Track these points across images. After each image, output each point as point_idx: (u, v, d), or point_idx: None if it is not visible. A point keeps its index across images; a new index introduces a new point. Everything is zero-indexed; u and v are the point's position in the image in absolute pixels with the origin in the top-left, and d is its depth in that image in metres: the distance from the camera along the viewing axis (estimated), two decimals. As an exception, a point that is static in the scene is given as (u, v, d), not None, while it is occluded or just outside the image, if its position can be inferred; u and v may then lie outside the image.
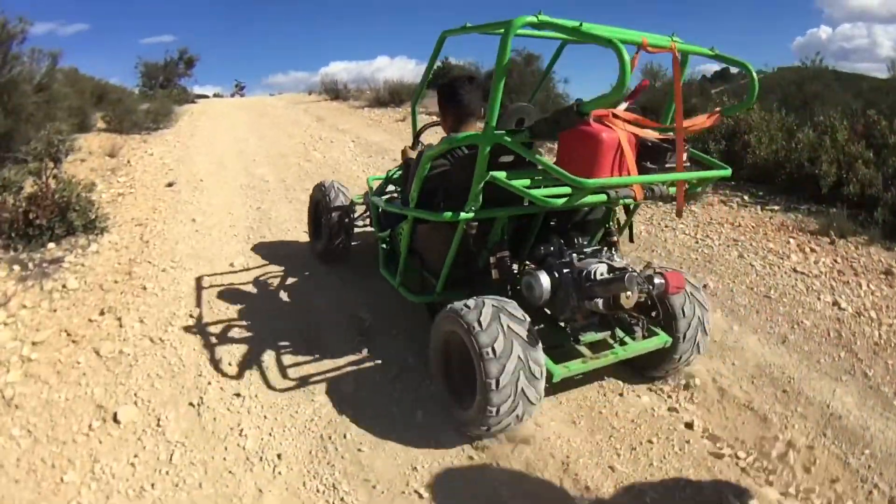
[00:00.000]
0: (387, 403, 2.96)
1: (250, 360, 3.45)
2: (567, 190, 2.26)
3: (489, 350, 2.27)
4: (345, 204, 4.33)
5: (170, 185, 7.30)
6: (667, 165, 2.38)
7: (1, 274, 4.70)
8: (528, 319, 2.43)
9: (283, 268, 4.73)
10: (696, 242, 5.28)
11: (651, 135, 2.40)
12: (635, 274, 2.36)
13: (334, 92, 20.82)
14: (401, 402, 2.97)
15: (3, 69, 6.70)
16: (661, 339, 2.83)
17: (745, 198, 6.39)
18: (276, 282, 4.49)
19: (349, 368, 3.30)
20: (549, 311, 2.76)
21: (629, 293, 2.31)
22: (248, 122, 14.22)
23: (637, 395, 3.06)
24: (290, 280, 4.52)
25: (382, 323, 3.71)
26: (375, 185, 4.15)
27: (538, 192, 2.22)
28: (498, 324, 2.32)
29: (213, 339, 3.67)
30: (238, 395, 3.15)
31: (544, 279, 2.51)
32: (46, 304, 4.25)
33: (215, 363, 3.43)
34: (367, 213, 4.30)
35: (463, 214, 2.47)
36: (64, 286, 4.52)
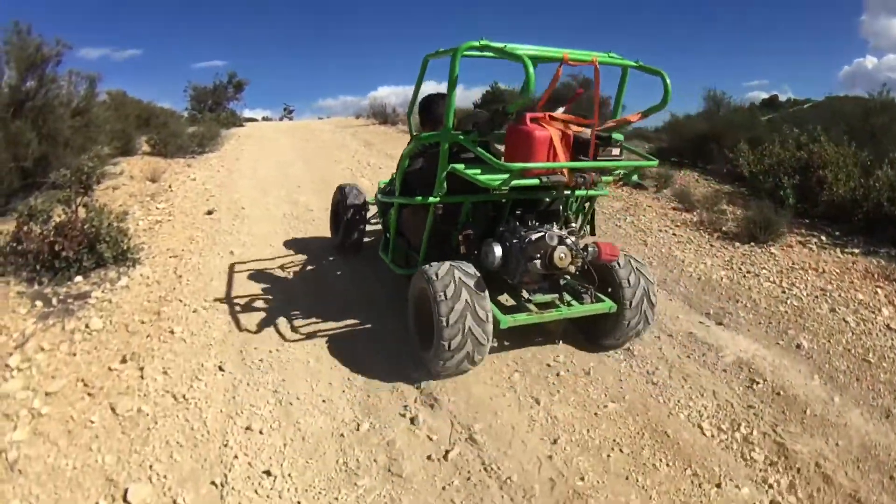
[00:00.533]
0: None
1: (283, 428, 3.01)
2: (504, 176, 2.93)
3: (442, 294, 2.95)
4: (359, 203, 5.18)
5: (210, 213, 7.08)
6: (599, 158, 3.02)
7: (22, 311, 4.45)
8: (479, 275, 3.09)
9: (324, 311, 4.31)
10: (783, 292, 4.80)
11: (582, 131, 3.10)
12: (549, 236, 3.10)
13: (382, 116, 20.87)
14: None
15: (38, 92, 6.64)
16: (605, 305, 3.43)
17: (823, 238, 6.06)
18: (315, 328, 4.08)
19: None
20: (506, 278, 3.41)
21: (562, 253, 3.07)
22: (295, 146, 14.19)
23: (736, 486, 2.67)
24: (330, 325, 4.11)
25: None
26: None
27: (482, 177, 2.98)
28: (451, 276, 3.00)
29: (243, 400, 3.26)
30: (268, 472, 2.71)
31: (496, 248, 3.29)
32: (66, 348, 3.94)
33: (244, 430, 3.00)
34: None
35: (431, 199, 3.28)
36: (87, 326, 4.22)
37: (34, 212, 4.92)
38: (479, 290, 3.05)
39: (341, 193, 5.34)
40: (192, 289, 4.73)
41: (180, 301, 4.50)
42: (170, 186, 8.84)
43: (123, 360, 3.70)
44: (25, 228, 4.91)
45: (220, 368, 3.54)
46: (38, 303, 4.58)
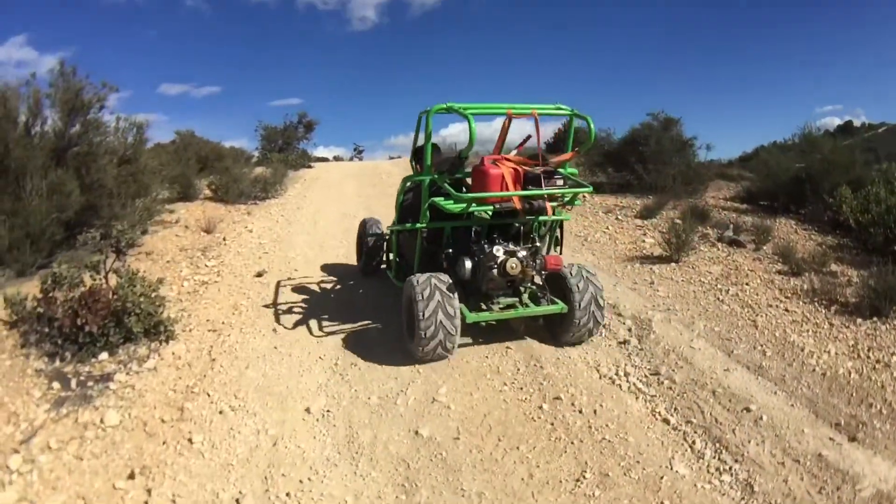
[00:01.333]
0: None
1: None
2: (463, 206, 4.19)
3: (420, 295, 4.13)
4: (378, 233, 6.45)
5: (259, 275, 6.76)
6: (545, 188, 4.19)
7: (36, 393, 4.12)
8: (451, 282, 4.26)
9: (375, 422, 3.77)
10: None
11: (531, 169, 4.31)
12: (504, 251, 4.29)
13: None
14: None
15: (81, 139, 6.55)
16: (558, 307, 4.52)
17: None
18: (366, 440, 3.50)
19: None
20: (478, 286, 4.46)
21: (513, 264, 4.23)
22: (360, 192, 13.99)
23: None
24: (385, 434, 3.52)
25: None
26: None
27: (448, 205, 4.32)
28: (428, 283, 4.17)
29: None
30: None
31: (467, 262, 4.43)
32: (74, 448, 3.52)
33: None
34: None
35: (418, 225, 4.55)
36: (102, 420, 3.82)
37: (59, 278, 4.64)
38: (450, 292, 4.24)
39: (364, 226, 6.70)
40: (224, 379, 4.28)
41: (208, 396, 4.05)
42: (224, 239, 8.65)
43: (131, 476, 3.23)
44: (49, 296, 4.64)
45: (237, 503, 3.00)
46: (56, 384, 4.25)
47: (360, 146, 40.69)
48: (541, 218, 4.61)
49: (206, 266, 7.21)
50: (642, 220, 9.07)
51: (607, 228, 8.58)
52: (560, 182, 4.30)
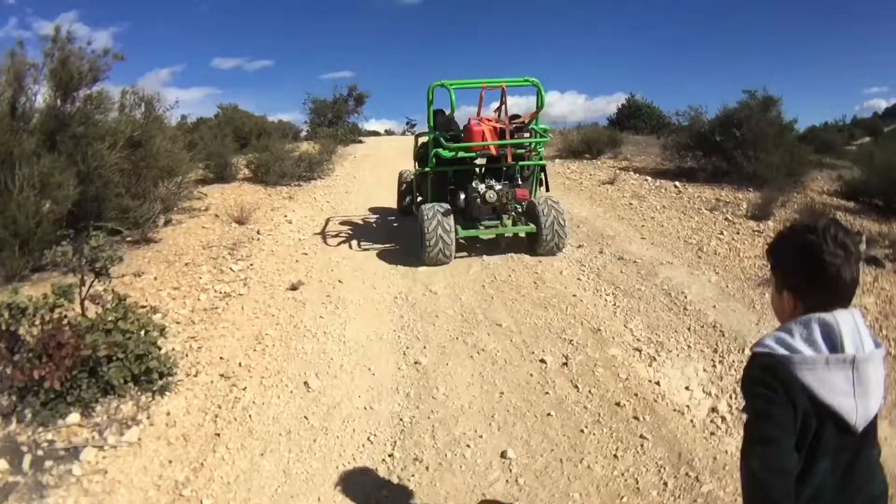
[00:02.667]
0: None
1: None
2: (451, 154, 6.22)
3: (426, 216, 5.91)
4: (410, 180, 8.23)
5: (294, 287, 5.49)
6: (518, 140, 6.27)
7: (-31, 480, 2.96)
8: (448, 208, 6.05)
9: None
10: None
11: (505, 126, 6.28)
12: (485, 186, 6.16)
13: (519, 135, 18.99)
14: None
15: (73, 119, 5.35)
16: (528, 227, 6.34)
17: None
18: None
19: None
20: (470, 213, 6.40)
21: (490, 194, 6.08)
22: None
23: None
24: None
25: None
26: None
27: (444, 153, 6.22)
28: (432, 209, 5.96)
29: None
30: None
31: (461, 194, 6.35)
32: None
33: None
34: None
35: (426, 169, 6.53)
36: (48, 538, 2.61)
37: (19, 308, 3.43)
38: (447, 215, 6.03)
39: (400, 176, 8.77)
40: (228, 474, 2.99)
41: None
42: (258, 232, 7.45)
43: None
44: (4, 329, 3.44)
45: None
46: (3, 462, 3.08)
47: (413, 120, 39.21)
48: (521, 163, 6.65)
49: (232, 271, 6.00)
50: (756, 223, 7.41)
51: (721, 234, 6.94)
52: (526, 135, 6.46)
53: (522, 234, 6.60)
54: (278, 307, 5.09)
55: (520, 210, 6.61)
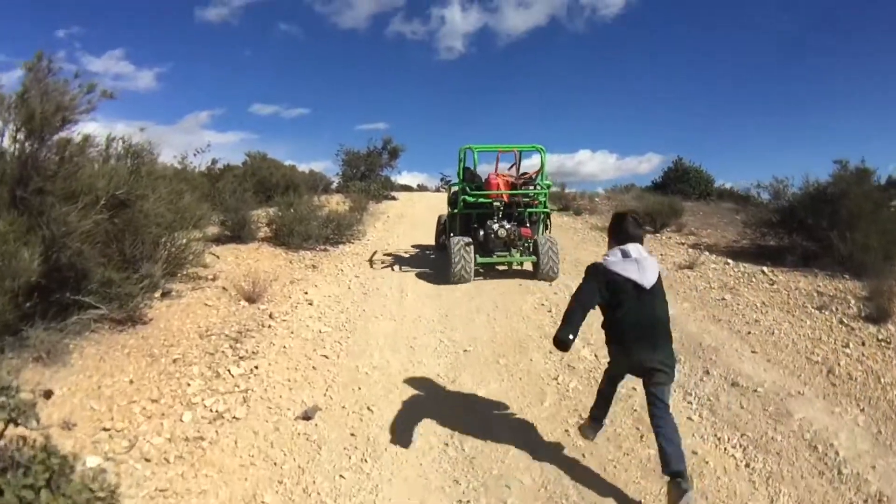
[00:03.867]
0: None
1: None
2: (474, 199, 8.61)
3: (453, 245, 8.06)
4: (444, 221, 10.11)
5: (307, 417, 4.12)
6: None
7: None
8: (471, 240, 8.11)
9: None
10: None
11: (515, 180, 9.08)
12: (498, 225, 8.28)
13: (562, 200, 17.74)
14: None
15: (40, 171, 4.15)
16: (531, 258, 8.31)
17: None
18: None
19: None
20: (489, 245, 8.36)
21: (501, 231, 8.22)
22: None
23: None
24: None
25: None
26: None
27: (468, 198, 8.56)
28: (458, 240, 8.07)
29: None
30: None
31: (481, 231, 8.42)
32: None
33: None
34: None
35: (455, 210, 8.91)
36: None
37: None
38: (468, 246, 7.94)
39: (439, 219, 10.58)
40: None
41: None
42: (270, 316, 6.18)
43: None
44: None
45: None
46: None
47: (447, 176, 38.49)
48: (528, 210, 8.78)
49: (231, 376, 4.70)
50: (876, 328, 5.89)
51: (846, 348, 5.40)
52: (531, 188, 8.85)
53: (528, 265, 8.76)
54: (284, 449, 3.73)
55: (526, 245, 8.65)
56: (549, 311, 6.84)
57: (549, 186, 9.06)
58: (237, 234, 9.73)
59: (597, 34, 58.06)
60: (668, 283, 7.84)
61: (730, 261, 8.96)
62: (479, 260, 8.24)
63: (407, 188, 33.24)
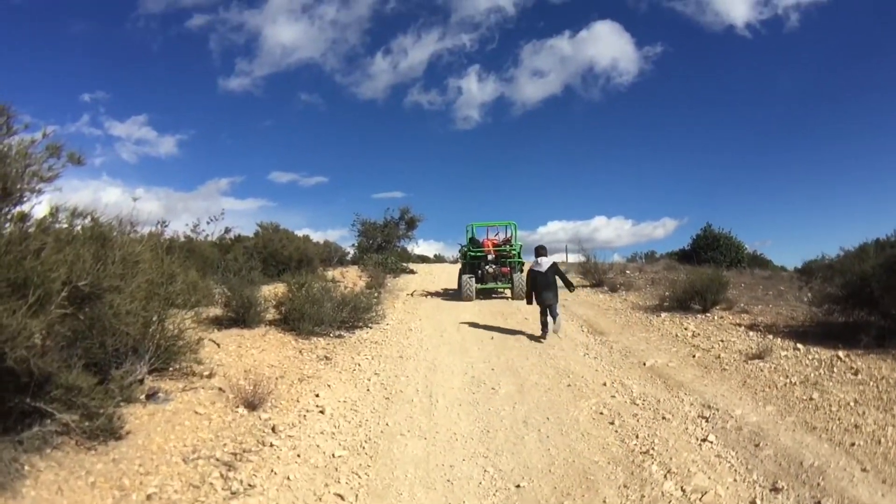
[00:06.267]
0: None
1: None
2: (473, 254, 15.96)
3: (461, 280, 15.33)
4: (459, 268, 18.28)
5: None
6: (500, 261, 15.88)
7: None
8: (474, 277, 15.27)
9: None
10: None
11: (498, 243, 16.46)
12: (488, 266, 15.55)
13: (593, 274, 16.83)
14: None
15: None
16: (507, 286, 15.42)
17: None
18: None
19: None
20: (485, 279, 15.58)
21: (489, 269, 15.48)
22: (488, 332, 10.39)
23: None
24: None
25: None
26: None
27: (471, 253, 15.87)
28: (466, 278, 15.15)
29: None
30: None
31: (479, 271, 15.56)
32: None
33: None
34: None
35: (465, 260, 16.37)
36: None
37: None
38: (471, 280, 14.96)
39: (459, 275, 16.32)
40: None
41: None
42: (273, 430, 5.20)
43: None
44: None
45: None
46: None
47: (463, 246, 37.90)
48: (507, 260, 15.56)
49: (217, 525, 3.69)
50: None
51: None
52: (506, 248, 15.77)
53: (506, 291, 15.48)
54: None
55: (505, 279, 15.25)
56: (612, 423, 5.75)
57: (520, 245, 16.07)
58: (242, 317, 8.82)
59: (611, 102, 58.62)
60: (741, 381, 6.76)
61: (799, 346, 7.90)
62: (478, 288, 14.91)
63: (424, 258, 32.59)
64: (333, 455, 4.87)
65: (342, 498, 4.15)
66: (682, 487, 4.41)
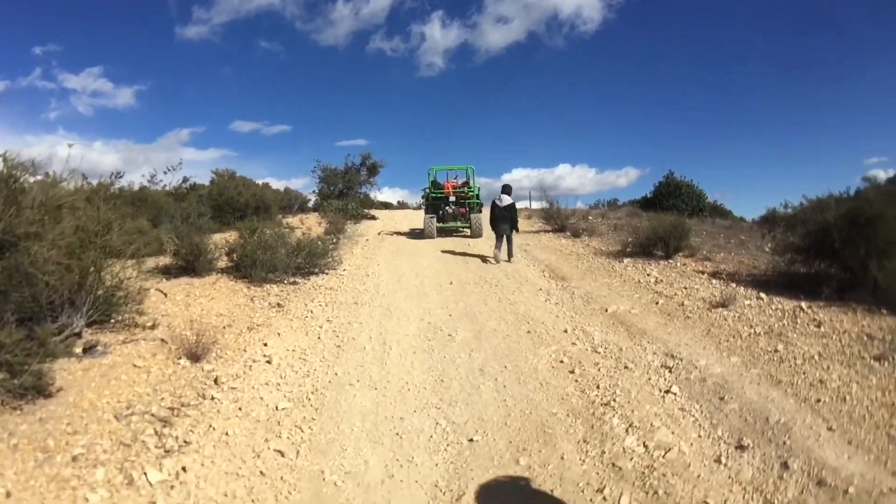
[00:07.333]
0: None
1: None
2: (435, 195, 16.86)
3: (424, 220, 16.33)
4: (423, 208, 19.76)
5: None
6: (458, 190, 16.80)
7: None
8: (435, 216, 16.26)
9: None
10: None
11: (458, 185, 17.17)
12: (448, 207, 16.38)
13: (556, 219, 16.72)
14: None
15: None
16: (466, 225, 16.31)
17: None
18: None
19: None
20: (444, 218, 16.52)
21: (450, 209, 16.34)
22: (447, 276, 10.20)
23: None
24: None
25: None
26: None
27: (434, 194, 16.80)
28: (428, 216, 16.21)
29: None
30: None
31: (440, 211, 16.46)
32: None
33: None
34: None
35: (427, 202, 17.29)
36: None
37: None
38: (432, 220, 15.94)
39: (424, 216, 17.10)
40: None
41: None
42: (215, 382, 4.92)
43: None
44: None
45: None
46: None
47: (426, 188, 37.39)
48: (465, 201, 16.32)
49: (149, 486, 3.43)
50: None
51: None
52: (465, 190, 16.44)
53: (466, 230, 16.17)
54: None
55: (464, 219, 16.18)
56: (572, 372, 5.53)
57: (478, 188, 16.87)
58: (191, 265, 8.43)
59: (575, 50, 58.06)
60: (705, 329, 6.64)
61: (762, 295, 7.81)
62: (439, 226, 15.95)
63: (387, 205, 32.12)
64: (277, 408, 4.59)
65: (282, 454, 3.89)
66: (644, 443, 4.20)
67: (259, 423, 4.33)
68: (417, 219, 18.19)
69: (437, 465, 3.90)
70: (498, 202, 11.77)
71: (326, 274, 9.88)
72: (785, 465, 3.87)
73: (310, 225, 16.46)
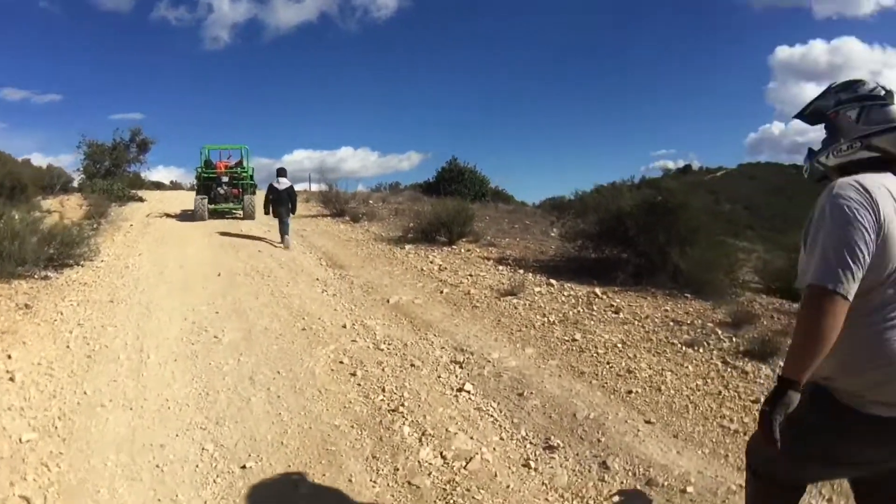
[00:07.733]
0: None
1: None
2: (207, 174, 17.09)
3: (195, 201, 15.79)
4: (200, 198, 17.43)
5: None
6: (232, 183, 17.09)
7: None
8: (206, 198, 15.96)
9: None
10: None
11: (231, 165, 18.05)
12: (220, 188, 16.52)
13: (335, 203, 16.90)
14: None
15: None
16: (238, 207, 16.45)
17: None
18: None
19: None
20: (217, 200, 16.50)
21: (221, 190, 16.50)
22: (216, 266, 9.76)
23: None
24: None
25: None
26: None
27: (205, 174, 16.99)
28: (198, 197, 15.85)
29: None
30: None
31: (211, 192, 16.44)
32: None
33: None
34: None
35: (198, 183, 17.80)
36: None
37: None
38: (203, 201, 15.59)
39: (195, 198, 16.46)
40: None
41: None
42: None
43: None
44: None
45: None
46: None
47: (199, 168, 35.52)
48: (239, 182, 16.86)
49: None
50: (767, 366, 5.31)
51: (758, 404, 4.41)
52: (238, 170, 17.25)
53: (238, 212, 16.36)
54: None
55: (237, 200, 16.30)
56: (354, 375, 5.30)
57: (252, 169, 17.38)
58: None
59: (367, 35, 59.12)
60: (495, 320, 6.84)
61: (553, 281, 8.28)
62: (211, 207, 15.79)
63: (159, 185, 30.02)
64: (21, 440, 4.05)
65: (28, 501, 3.45)
66: (441, 453, 3.96)
67: (2, 462, 3.80)
68: (190, 200, 16.90)
69: (205, 502, 3.56)
70: (276, 185, 12.18)
71: (82, 266, 9.04)
72: (604, 466, 3.80)
73: (70, 207, 14.89)
